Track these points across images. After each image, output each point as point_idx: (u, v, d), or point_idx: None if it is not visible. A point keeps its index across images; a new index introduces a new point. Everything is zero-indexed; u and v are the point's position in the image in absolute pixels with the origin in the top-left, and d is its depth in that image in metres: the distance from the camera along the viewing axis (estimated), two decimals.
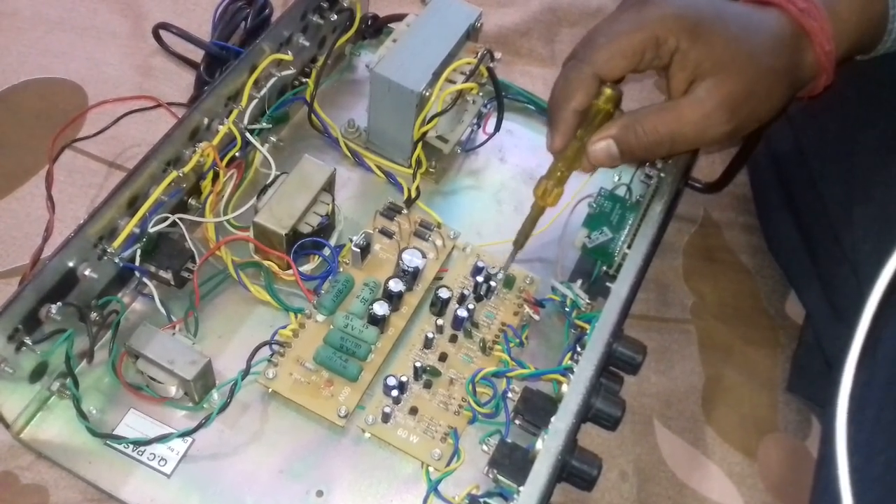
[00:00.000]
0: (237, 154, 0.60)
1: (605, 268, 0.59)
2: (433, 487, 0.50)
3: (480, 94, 0.64)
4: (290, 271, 0.56)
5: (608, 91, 0.49)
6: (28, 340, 0.47)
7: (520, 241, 0.54)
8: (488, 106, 0.66)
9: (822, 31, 0.48)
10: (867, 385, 0.43)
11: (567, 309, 0.56)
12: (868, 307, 0.34)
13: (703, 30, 0.47)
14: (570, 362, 0.51)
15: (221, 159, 0.58)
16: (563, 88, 0.49)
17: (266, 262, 0.56)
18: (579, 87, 0.49)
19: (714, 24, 0.47)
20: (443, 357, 0.55)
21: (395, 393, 0.52)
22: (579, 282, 0.57)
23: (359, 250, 0.56)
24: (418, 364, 0.53)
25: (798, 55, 0.48)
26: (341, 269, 0.57)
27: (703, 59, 0.47)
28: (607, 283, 0.53)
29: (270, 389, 0.53)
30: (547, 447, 0.44)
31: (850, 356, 0.34)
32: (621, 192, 0.62)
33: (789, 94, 0.49)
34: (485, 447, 0.52)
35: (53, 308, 0.48)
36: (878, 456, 0.42)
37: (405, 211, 0.60)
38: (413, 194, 0.61)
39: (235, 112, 0.59)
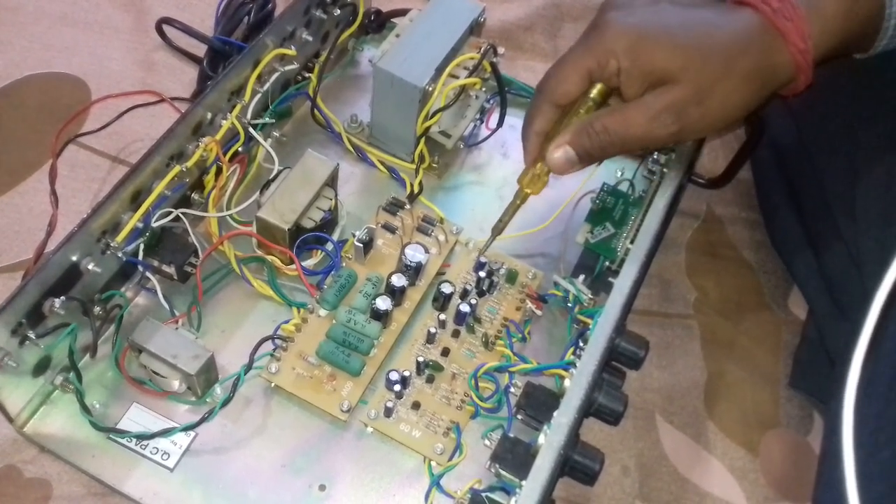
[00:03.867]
0: (240, 149, 0.60)
1: (607, 263, 0.59)
2: (435, 482, 0.50)
3: (483, 89, 0.64)
4: (293, 266, 0.56)
5: (599, 85, 0.51)
6: (31, 334, 0.47)
7: (499, 228, 0.56)
8: (491, 101, 0.66)
9: (797, 31, 0.48)
10: (870, 381, 0.43)
11: (569, 304, 0.56)
12: (875, 302, 0.34)
13: (646, 45, 0.49)
14: (572, 357, 0.51)
15: (224, 154, 0.58)
16: (527, 115, 0.54)
17: (269, 257, 0.56)
18: (537, 114, 0.53)
19: (658, 38, 0.49)
20: (445, 352, 0.55)
21: (397, 387, 0.52)
22: (582, 277, 0.57)
23: (361, 245, 0.56)
24: (421, 359, 0.53)
25: (770, 56, 0.48)
26: (344, 264, 0.57)
27: (648, 73, 0.49)
28: (610, 279, 0.53)
29: (273, 384, 0.53)
30: (549, 442, 0.45)
31: (856, 352, 0.33)
32: (624, 187, 0.62)
33: (757, 95, 0.50)
34: (487, 442, 0.52)
35: (57, 302, 0.48)
36: (882, 451, 0.42)
37: (408, 206, 0.60)
38: (416, 189, 0.61)
39: (238, 107, 0.59)
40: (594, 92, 0.51)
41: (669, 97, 0.48)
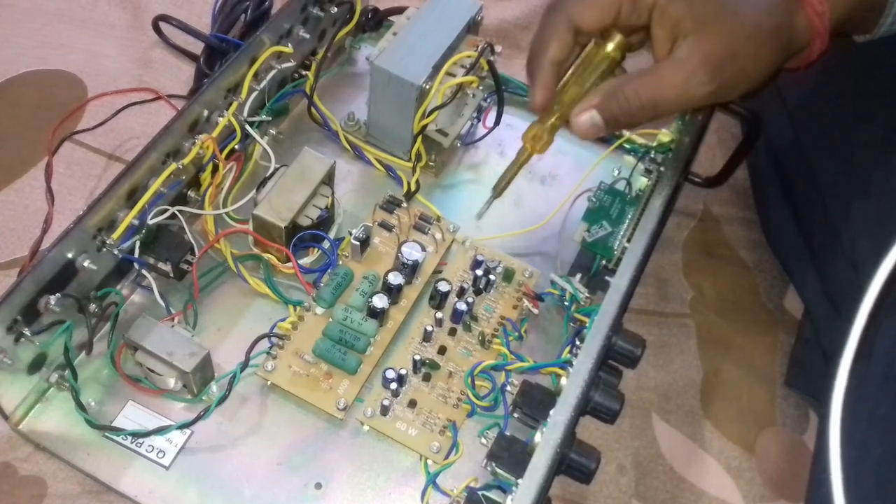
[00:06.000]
0: (237, 146, 0.60)
1: (604, 262, 0.59)
2: (432, 480, 0.50)
3: (480, 87, 0.64)
4: (290, 264, 0.56)
5: (618, 37, 0.48)
6: (27, 331, 0.47)
7: (500, 188, 0.53)
8: (488, 99, 0.66)
9: None
10: (863, 380, 0.44)
11: (566, 303, 0.56)
12: (865, 302, 0.34)
13: None
14: (568, 356, 0.51)
15: (221, 151, 0.58)
16: (538, 38, 0.48)
17: (265, 255, 0.56)
18: (553, 36, 0.48)
19: None
20: (442, 350, 0.55)
21: (393, 386, 0.52)
22: (578, 276, 0.57)
23: (358, 243, 0.56)
24: (417, 357, 0.53)
25: (790, 17, 0.47)
26: (340, 262, 0.57)
27: (683, 17, 0.46)
28: (606, 277, 0.53)
29: (269, 382, 0.53)
30: (545, 440, 0.45)
31: (846, 351, 0.34)
32: (621, 186, 0.62)
33: (780, 57, 0.48)
34: (483, 440, 0.52)
35: (52, 299, 0.48)
36: (873, 450, 0.42)
37: (405, 204, 0.60)
38: (413, 188, 0.61)
39: (235, 104, 0.59)
40: (611, 46, 0.48)
41: (704, 49, 0.45)
